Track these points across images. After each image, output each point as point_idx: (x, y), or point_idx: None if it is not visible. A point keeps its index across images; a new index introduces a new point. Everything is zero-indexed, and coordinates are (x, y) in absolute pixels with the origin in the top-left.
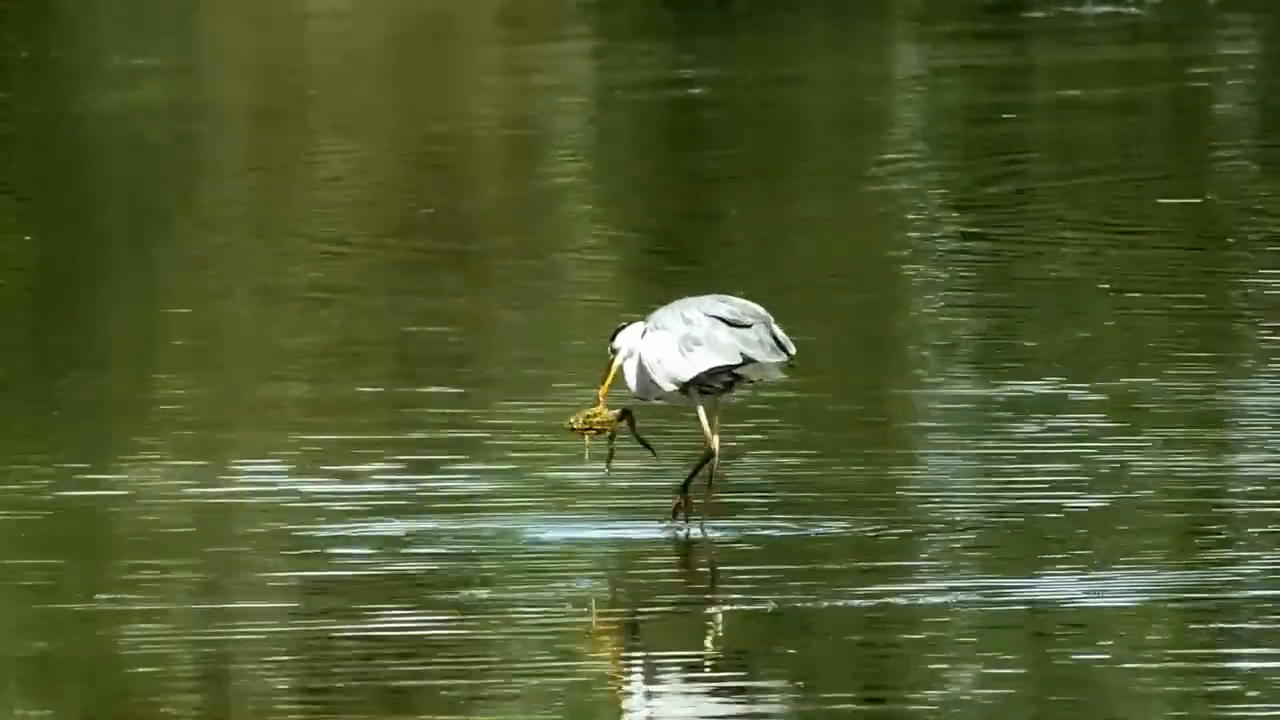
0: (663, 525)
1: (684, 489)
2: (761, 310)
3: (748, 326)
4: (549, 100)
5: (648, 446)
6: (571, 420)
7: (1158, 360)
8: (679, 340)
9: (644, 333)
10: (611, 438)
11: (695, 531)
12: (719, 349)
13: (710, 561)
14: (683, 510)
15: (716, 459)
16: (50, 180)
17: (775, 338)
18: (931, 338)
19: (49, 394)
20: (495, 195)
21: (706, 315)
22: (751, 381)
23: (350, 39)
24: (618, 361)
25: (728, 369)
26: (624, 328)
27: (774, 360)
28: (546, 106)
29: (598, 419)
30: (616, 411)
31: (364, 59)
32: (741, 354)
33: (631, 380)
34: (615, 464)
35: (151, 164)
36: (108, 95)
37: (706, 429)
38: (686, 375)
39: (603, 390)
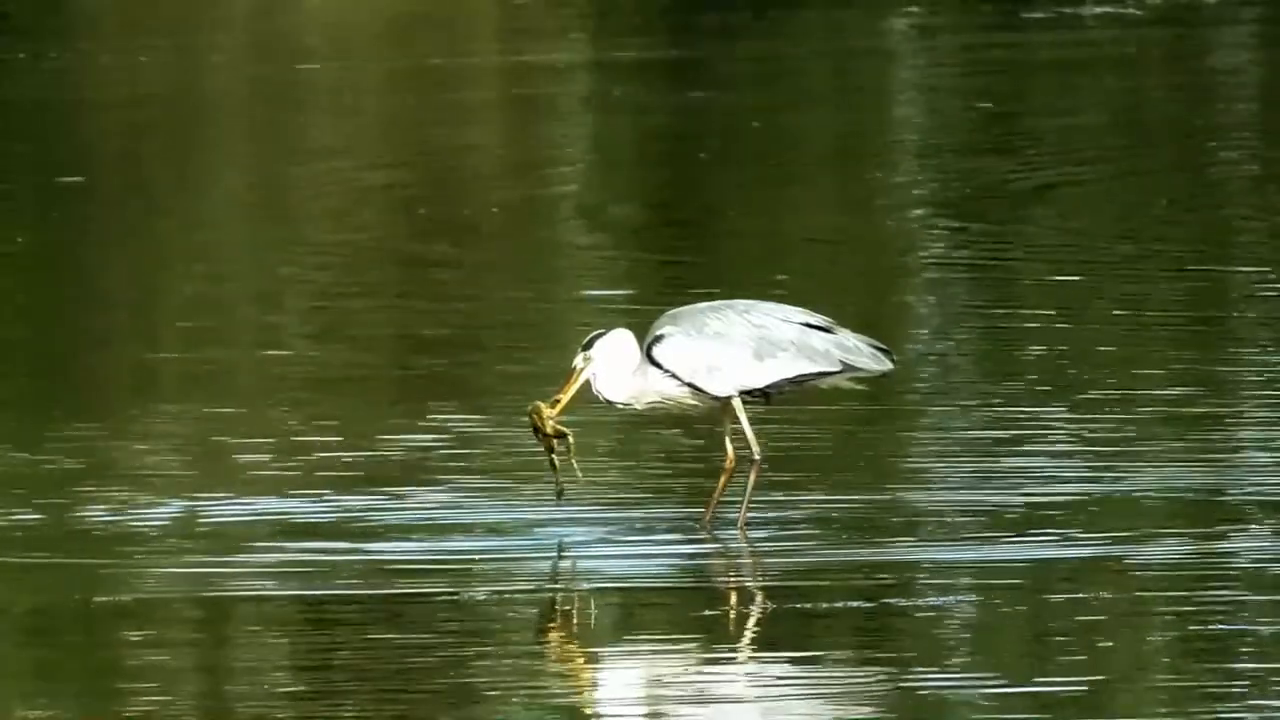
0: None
1: (742, 511)
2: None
3: (833, 333)
4: (548, 97)
5: (575, 473)
6: (534, 412)
7: (1158, 363)
8: (753, 345)
9: (657, 338)
10: (553, 465)
11: (695, 533)
12: (813, 355)
13: (709, 563)
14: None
15: (757, 466)
16: (44, 181)
17: (876, 345)
18: (931, 340)
19: (45, 396)
20: (493, 195)
21: (786, 321)
22: (803, 390)
23: (348, 31)
24: (587, 371)
25: (814, 376)
26: (600, 335)
27: (880, 369)
28: (545, 104)
29: (545, 423)
30: (561, 427)
31: (363, 51)
32: (841, 361)
33: (612, 388)
34: (566, 484)
35: (149, 161)
36: (106, 92)
37: (750, 436)
38: (761, 382)
39: (565, 401)
